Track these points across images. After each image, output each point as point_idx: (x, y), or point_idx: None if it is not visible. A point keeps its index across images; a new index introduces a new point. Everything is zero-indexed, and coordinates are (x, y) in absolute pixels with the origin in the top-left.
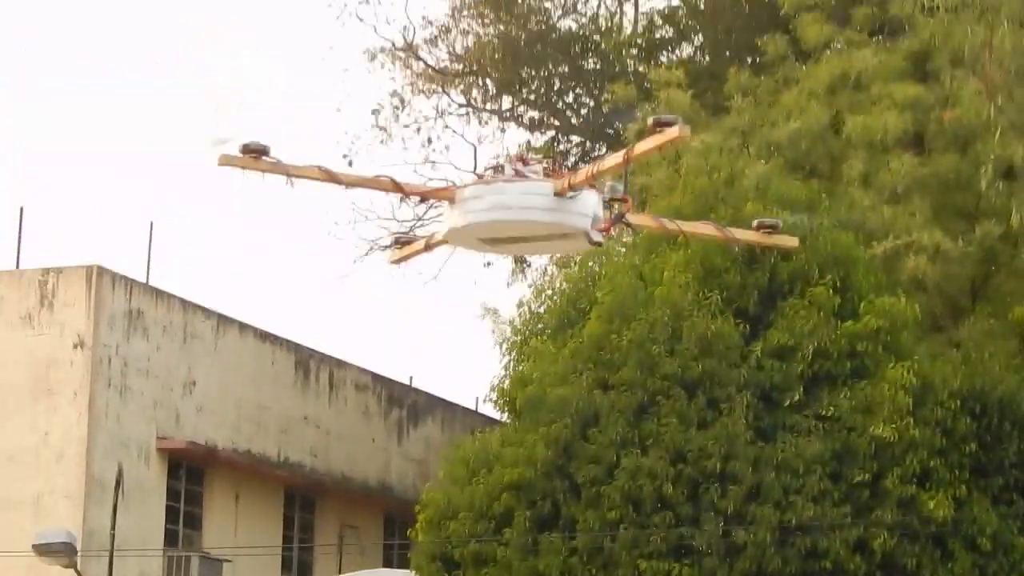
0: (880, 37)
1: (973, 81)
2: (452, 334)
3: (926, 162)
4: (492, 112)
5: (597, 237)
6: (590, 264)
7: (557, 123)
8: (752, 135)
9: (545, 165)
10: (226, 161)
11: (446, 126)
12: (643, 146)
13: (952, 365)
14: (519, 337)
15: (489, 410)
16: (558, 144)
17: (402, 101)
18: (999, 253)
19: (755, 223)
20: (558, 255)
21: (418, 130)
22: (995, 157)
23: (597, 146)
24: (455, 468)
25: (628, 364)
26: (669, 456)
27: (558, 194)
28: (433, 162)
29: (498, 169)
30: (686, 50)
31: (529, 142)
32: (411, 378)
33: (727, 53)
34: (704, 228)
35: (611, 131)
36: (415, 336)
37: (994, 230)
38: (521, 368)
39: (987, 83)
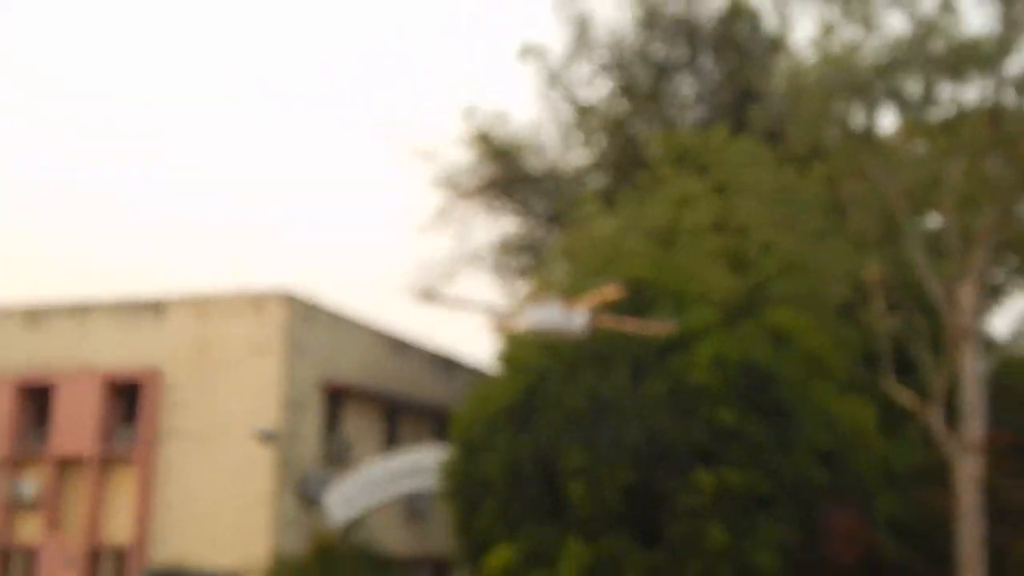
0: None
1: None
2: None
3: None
4: (496, 210)
5: (581, 332)
6: None
7: (531, 218)
8: (630, 228)
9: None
10: (421, 298)
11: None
12: (608, 294)
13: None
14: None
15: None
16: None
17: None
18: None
19: (655, 324)
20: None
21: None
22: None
23: (552, 231)
24: (473, 400)
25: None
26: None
27: (568, 311)
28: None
29: (541, 300)
30: (602, 181)
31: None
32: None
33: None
34: (632, 324)
35: (559, 223)
36: (458, 333)
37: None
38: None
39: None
